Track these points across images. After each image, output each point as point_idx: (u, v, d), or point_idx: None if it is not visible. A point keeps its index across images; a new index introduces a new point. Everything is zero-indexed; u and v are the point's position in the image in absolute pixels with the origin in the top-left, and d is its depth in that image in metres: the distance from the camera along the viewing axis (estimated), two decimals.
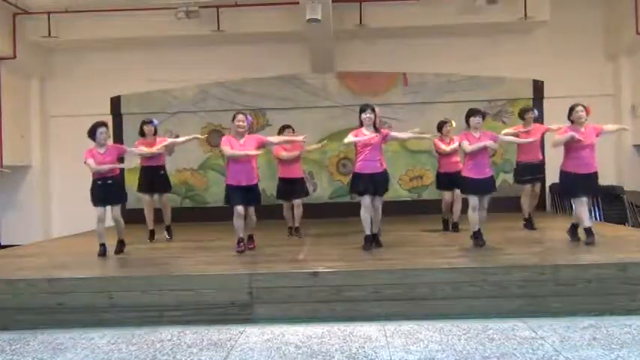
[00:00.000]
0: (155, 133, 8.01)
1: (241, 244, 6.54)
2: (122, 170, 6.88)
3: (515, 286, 5.00)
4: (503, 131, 7.63)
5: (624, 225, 9.40)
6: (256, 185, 6.61)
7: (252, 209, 6.65)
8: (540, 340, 4.31)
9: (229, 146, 6.44)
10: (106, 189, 6.56)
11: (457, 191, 7.57)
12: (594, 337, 4.36)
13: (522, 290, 5.00)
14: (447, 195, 7.94)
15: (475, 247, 6.38)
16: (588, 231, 6.32)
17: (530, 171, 7.82)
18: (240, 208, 6.39)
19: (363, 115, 6.45)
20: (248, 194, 6.47)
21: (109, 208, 6.65)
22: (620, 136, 10.81)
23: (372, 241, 6.53)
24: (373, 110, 6.46)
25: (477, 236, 6.45)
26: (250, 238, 6.82)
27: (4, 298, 5.19)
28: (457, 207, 7.92)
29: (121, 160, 7.18)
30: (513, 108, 10.63)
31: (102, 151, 6.56)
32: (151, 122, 7.96)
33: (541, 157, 7.93)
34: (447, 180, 7.81)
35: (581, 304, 4.95)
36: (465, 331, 4.59)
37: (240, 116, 6.56)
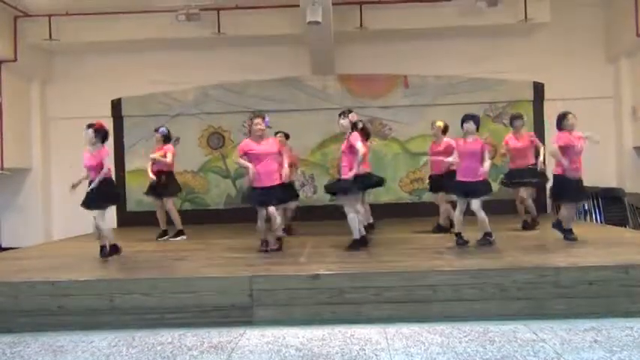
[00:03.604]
0: (167, 141, 8.45)
1: (263, 243, 6.82)
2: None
3: (516, 289, 5.00)
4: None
5: (625, 227, 9.39)
6: (278, 186, 6.65)
7: (271, 209, 6.61)
8: (541, 343, 4.30)
9: (241, 151, 6.75)
10: None
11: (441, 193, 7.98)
12: (595, 339, 4.35)
13: (523, 292, 4.99)
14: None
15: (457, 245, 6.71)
16: (569, 231, 6.81)
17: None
18: (259, 210, 6.68)
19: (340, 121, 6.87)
20: (268, 195, 6.59)
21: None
22: (621, 138, 10.82)
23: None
24: (346, 115, 6.90)
25: (457, 235, 6.78)
26: (277, 239, 6.87)
27: (4, 301, 5.18)
28: (442, 208, 8.11)
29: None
30: (514, 110, 10.63)
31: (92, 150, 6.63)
32: (156, 130, 8.47)
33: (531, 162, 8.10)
34: (433, 182, 8.11)
35: (582, 306, 4.94)
36: (466, 333, 4.58)
37: (258, 119, 6.76)
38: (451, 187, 6.98)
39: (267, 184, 6.60)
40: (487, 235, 6.66)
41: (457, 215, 6.79)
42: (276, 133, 8.37)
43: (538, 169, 7.80)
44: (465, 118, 6.77)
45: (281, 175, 6.64)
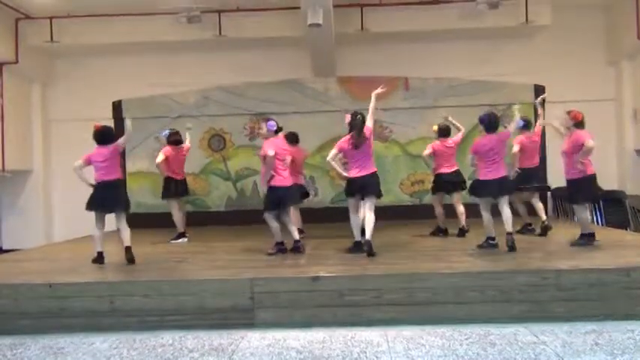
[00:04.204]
0: (174, 144, 8.48)
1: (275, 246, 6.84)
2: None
3: (517, 291, 4.99)
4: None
5: (626, 229, 9.37)
6: (267, 190, 6.75)
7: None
8: (542, 345, 4.30)
9: None
10: None
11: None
12: (596, 342, 4.35)
13: (524, 295, 4.99)
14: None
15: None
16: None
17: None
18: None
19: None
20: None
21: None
22: (622, 141, 10.82)
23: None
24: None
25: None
26: (276, 242, 6.88)
27: (5, 303, 5.19)
28: (437, 211, 8.11)
29: None
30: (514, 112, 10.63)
31: None
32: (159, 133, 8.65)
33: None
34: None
35: (583, 309, 4.94)
36: (467, 336, 4.58)
37: (262, 124, 6.90)
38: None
39: None
40: (488, 238, 6.62)
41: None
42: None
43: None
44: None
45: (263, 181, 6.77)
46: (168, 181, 8.45)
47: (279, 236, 6.78)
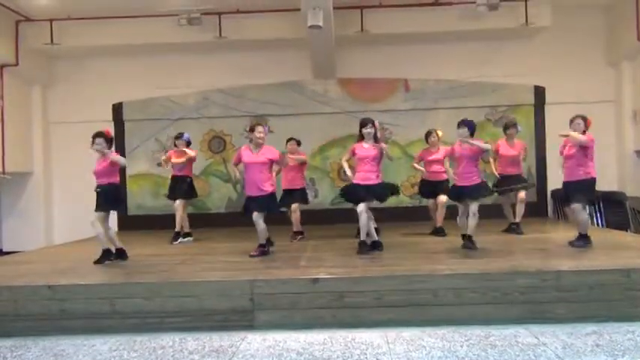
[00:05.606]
0: (188, 145, 8.56)
1: (258, 249, 6.85)
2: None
3: (517, 293, 4.99)
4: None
5: (626, 231, 9.37)
6: (267, 194, 6.71)
7: (253, 217, 6.74)
8: (543, 347, 4.30)
9: (236, 159, 6.95)
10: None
11: (440, 198, 8.10)
12: (597, 343, 4.35)
13: (524, 296, 4.99)
14: (430, 202, 8.50)
15: (463, 248, 6.72)
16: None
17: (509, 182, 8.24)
18: (253, 215, 6.72)
19: (364, 130, 6.75)
20: (257, 202, 6.73)
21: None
22: (622, 142, 10.82)
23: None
24: (373, 124, 6.77)
25: (463, 238, 6.85)
26: (259, 245, 6.87)
27: (5, 305, 5.18)
28: (440, 212, 8.24)
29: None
30: (515, 114, 10.67)
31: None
32: (181, 136, 8.57)
33: (521, 171, 8.45)
34: (427, 187, 8.36)
35: (583, 310, 4.94)
36: (467, 337, 4.58)
37: (260, 127, 6.81)
38: (449, 192, 7.20)
39: (249, 193, 6.79)
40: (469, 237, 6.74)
41: (458, 219, 6.91)
42: (288, 140, 8.47)
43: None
44: (459, 124, 6.82)
45: (268, 185, 6.72)
46: (182, 181, 8.49)
47: (263, 239, 6.84)
